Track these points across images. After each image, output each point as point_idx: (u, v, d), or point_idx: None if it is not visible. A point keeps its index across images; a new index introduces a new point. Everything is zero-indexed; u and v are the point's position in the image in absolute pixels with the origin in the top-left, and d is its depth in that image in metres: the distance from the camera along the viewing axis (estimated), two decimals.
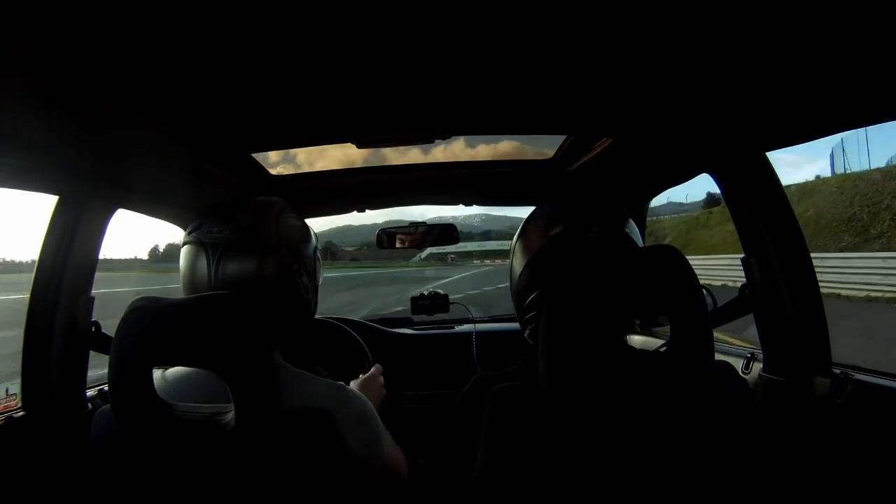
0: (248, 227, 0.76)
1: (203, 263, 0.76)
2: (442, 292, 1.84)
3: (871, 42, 0.62)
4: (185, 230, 0.81)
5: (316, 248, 0.88)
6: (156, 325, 0.65)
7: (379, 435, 0.81)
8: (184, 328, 0.64)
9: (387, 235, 1.80)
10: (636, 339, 1.59)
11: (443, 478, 0.90)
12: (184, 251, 0.79)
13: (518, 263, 0.85)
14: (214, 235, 0.76)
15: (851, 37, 0.61)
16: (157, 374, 0.78)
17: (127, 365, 0.65)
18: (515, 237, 0.89)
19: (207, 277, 0.75)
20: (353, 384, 1.15)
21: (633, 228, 0.83)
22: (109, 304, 1.23)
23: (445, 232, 1.81)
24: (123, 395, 0.66)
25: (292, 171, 1.41)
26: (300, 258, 0.81)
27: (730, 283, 9.07)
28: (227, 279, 0.75)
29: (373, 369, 1.21)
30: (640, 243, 0.83)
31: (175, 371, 0.78)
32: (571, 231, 0.80)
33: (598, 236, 0.79)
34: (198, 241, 0.77)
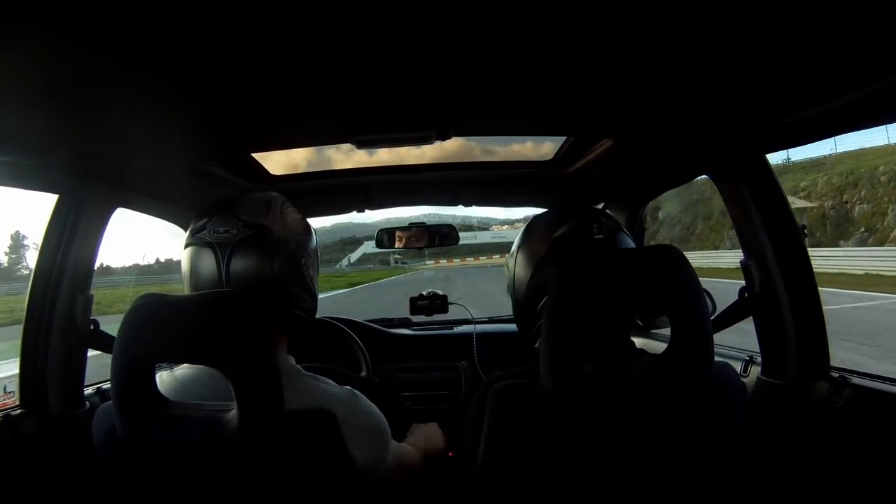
0: (255, 223, 0.75)
1: (210, 264, 0.74)
2: (441, 293, 1.84)
3: (867, 47, 0.62)
4: (185, 230, 0.81)
5: (315, 240, 0.87)
6: (159, 323, 0.65)
7: (387, 444, 0.82)
8: (187, 325, 0.65)
9: (387, 235, 1.80)
10: (636, 340, 1.60)
11: (450, 471, 0.90)
12: (187, 252, 0.77)
13: (522, 273, 0.84)
14: (222, 235, 0.74)
15: (848, 42, 0.61)
16: (166, 373, 0.78)
17: (129, 362, 0.66)
18: (515, 247, 0.88)
19: (217, 278, 0.74)
20: (415, 428, 1.17)
21: (624, 228, 0.85)
22: None
23: (444, 232, 1.81)
24: (125, 392, 0.66)
25: (293, 171, 1.41)
26: (305, 250, 0.81)
27: None
28: (239, 278, 0.74)
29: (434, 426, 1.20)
30: (632, 243, 0.84)
31: (185, 371, 0.78)
32: (574, 231, 0.80)
33: (600, 231, 0.80)
34: (203, 241, 0.75)
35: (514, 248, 0.89)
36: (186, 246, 0.78)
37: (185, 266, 0.78)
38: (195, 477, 0.67)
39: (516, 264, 0.86)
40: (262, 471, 0.66)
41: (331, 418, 0.67)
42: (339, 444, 0.68)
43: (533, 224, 0.87)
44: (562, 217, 0.83)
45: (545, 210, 0.89)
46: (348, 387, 0.81)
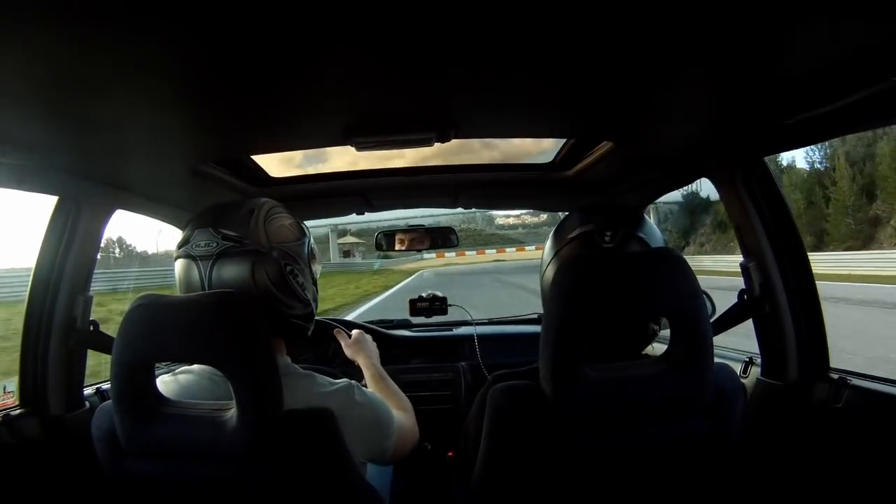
0: (234, 236, 0.76)
1: (195, 276, 0.76)
2: (440, 294, 1.84)
3: (865, 51, 0.62)
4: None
5: (309, 244, 0.88)
6: (159, 322, 0.66)
7: (388, 429, 0.82)
8: (187, 325, 0.65)
9: (385, 237, 1.81)
10: None
11: (449, 463, 0.91)
12: (177, 264, 0.80)
13: (546, 260, 0.87)
14: (203, 249, 0.76)
15: (846, 45, 0.61)
16: (168, 376, 0.79)
17: (129, 362, 0.66)
18: (550, 235, 0.90)
19: (201, 290, 0.76)
20: (347, 351, 1.19)
21: (648, 231, 0.82)
22: None
23: (444, 234, 1.81)
24: (126, 392, 0.66)
25: (292, 173, 1.41)
26: (293, 258, 0.81)
27: None
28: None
29: (354, 332, 1.23)
30: (655, 244, 0.83)
31: (186, 375, 0.79)
32: (585, 236, 0.81)
33: (612, 240, 0.79)
34: (187, 255, 0.77)
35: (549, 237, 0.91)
36: (176, 258, 0.80)
37: (176, 277, 0.80)
38: (195, 476, 0.67)
39: (545, 252, 0.89)
40: (262, 469, 0.66)
41: (329, 416, 0.67)
42: (339, 442, 0.68)
43: (566, 216, 0.89)
44: (581, 216, 0.84)
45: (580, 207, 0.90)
46: (345, 379, 0.81)
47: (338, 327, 1.37)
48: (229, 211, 0.79)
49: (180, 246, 0.79)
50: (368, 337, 1.22)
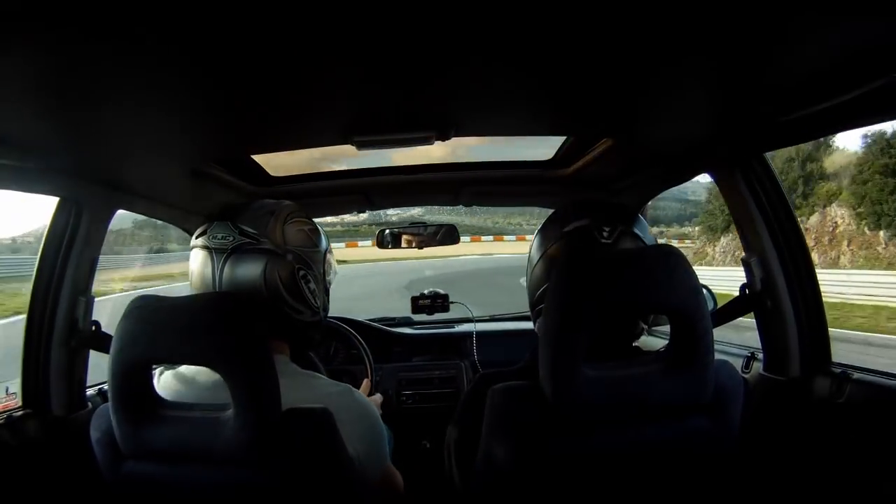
0: (252, 233, 0.77)
1: (207, 268, 0.77)
2: (442, 292, 1.85)
3: (862, 50, 0.62)
4: (185, 231, 0.81)
5: (326, 250, 0.88)
6: (156, 324, 0.66)
7: (382, 441, 0.82)
8: (183, 326, 0.65)
9: (392, 235, 1.81)
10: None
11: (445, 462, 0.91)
12: (192, 255, 0.80)
13: (534, 255, 0.86)
14: (219, 241, 0.77)
15: (844, 44, 0.62)
16: (169, 372, 0.79)
17: (127, 363, 0.66)
18: (536, 231, 0.89)
19: (212, 282, 0.77)
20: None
21: (642, 227, 0.82)
22: None
23: (447, 233, 1.82)
24: (122, 392, 0.67)
25: (292, 173, 1.42)
26: (307, 263, 0.82)
27: None
28: (231, 284, 0.76)
29: (375, 396, 1.22)
30: (648, 241, 0.82)
31: (188, 367, 0.79)
32: (583, 230, 0.79)
33: (610, 236, 0.78)
34: (203, 245, 0.78)
35: (535, 233, 0.90)
36: (191, 248, 0.81)
37: (190, 268, 0.80)
38: (194, 477, 0.67)
39: (532, 246, 0.87)
40: (261, 469, 0.66)
41: (327, 415, 0.67)
42: (337, 441, 0.68)
43: (556, 211, 0.87)
44: (577, 211, 0.82)
45: (567, 202, 0.88)
46: (346, 384, 0.81)
47: (368, 377, 1.36)
48: (250, 209, 0.81)
49: (198, 236, 0.80)
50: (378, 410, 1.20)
